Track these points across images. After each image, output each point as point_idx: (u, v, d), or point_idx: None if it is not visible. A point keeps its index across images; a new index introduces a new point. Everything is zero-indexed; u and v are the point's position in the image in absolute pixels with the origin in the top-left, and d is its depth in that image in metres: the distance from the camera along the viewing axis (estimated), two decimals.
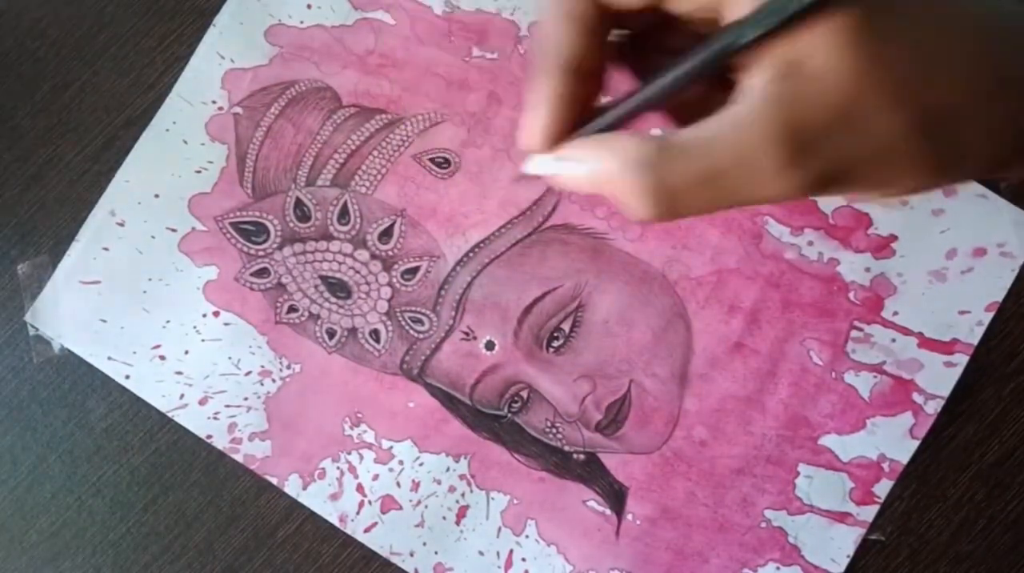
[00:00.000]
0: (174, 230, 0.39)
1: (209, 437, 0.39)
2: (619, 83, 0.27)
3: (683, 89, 0.25)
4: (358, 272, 0.39)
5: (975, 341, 0.38)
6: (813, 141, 0.24)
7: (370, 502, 0.39)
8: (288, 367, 0.39)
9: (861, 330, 0.38)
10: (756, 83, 0.24)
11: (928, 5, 0.24)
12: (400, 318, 0.39)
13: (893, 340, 0.38)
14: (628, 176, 0.25)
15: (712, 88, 0.26)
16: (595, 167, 0.25)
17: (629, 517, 0.39)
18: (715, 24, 0.25)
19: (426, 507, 0.39)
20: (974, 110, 0.25)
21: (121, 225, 0.39)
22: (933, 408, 0.38)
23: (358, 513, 0.39)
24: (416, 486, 0.39)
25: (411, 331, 0.39)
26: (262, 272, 0.39)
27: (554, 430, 0.39)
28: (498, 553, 0.39)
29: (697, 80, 0.24)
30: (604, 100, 0.27)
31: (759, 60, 0.24)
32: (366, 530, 0.39)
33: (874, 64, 0.23)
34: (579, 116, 0.26)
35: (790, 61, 0.23)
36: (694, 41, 0.24)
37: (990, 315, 0.38)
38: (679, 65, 0.24)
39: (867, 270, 0.38)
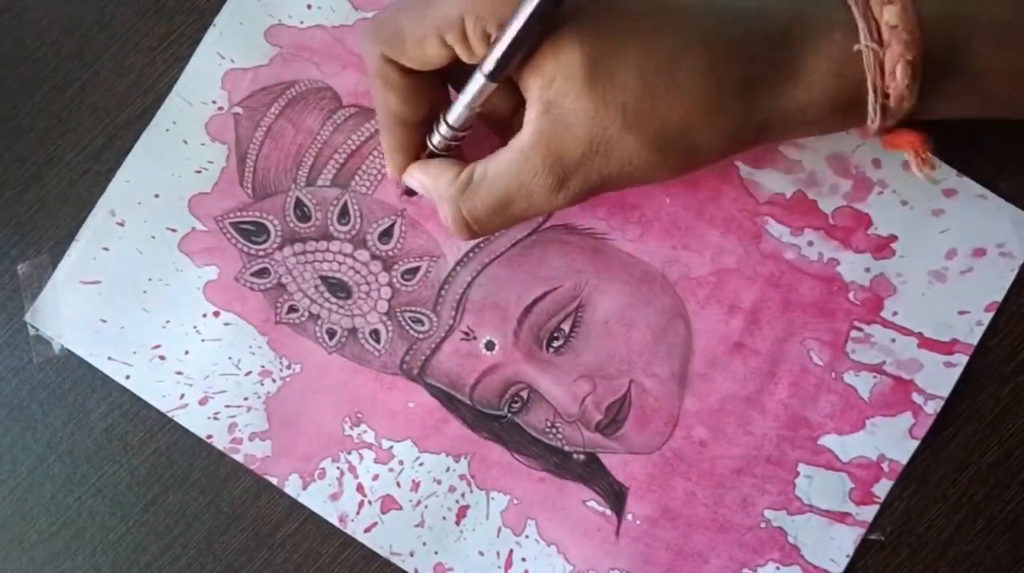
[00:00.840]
0: (174, 230, 0.39)
1: (209, 437, 0.39)
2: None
3: (474, 117, 0.32)
4: (358, 272, 0.39)
5: (975, 341, 0.38)
6: (572, 169, 0.30)
7: (370, 502, 0.39)
8: (288, 367, 0.39)
9: (861, 330, 0.38)
10: (530, 115, 0.30)
11: (650, 42, 0.29)
12: (400, 318, 0.39)
13: (893, 340, 0.38)
14: (442, 207, 0.32)
15: (515, 99, 0.32)
16: (423, 186, 0.34)
17: (629, 517, 0.39)
18: None
19: (426, 507, 0.39)
20: (699, 122, 0.29)
21: (121, 225, 0.39)
22: (933, 408, 0.38)
23: (358, 513, 0.39)
24: (416, 486, 0.39)
25: (411, 331, 0.39)
26: (262, 272, 0.39)
27: (554, 430, 0.39)
28: (498, 553, 0.39)
29: (483, 105, 0.31)
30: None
31: (531, 93, 0.30)
32: (366, 530, 0.39)
33: (605, 103, 0.28)
34: (421, 141, 0.34)
35: (547, 100, 0.29)
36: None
37: (990, 315, 0.38)
38: (466, 96, 0.31)
39: (867, 270, 0.38)
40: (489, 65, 0.29)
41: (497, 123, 0.34)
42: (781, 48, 0.30)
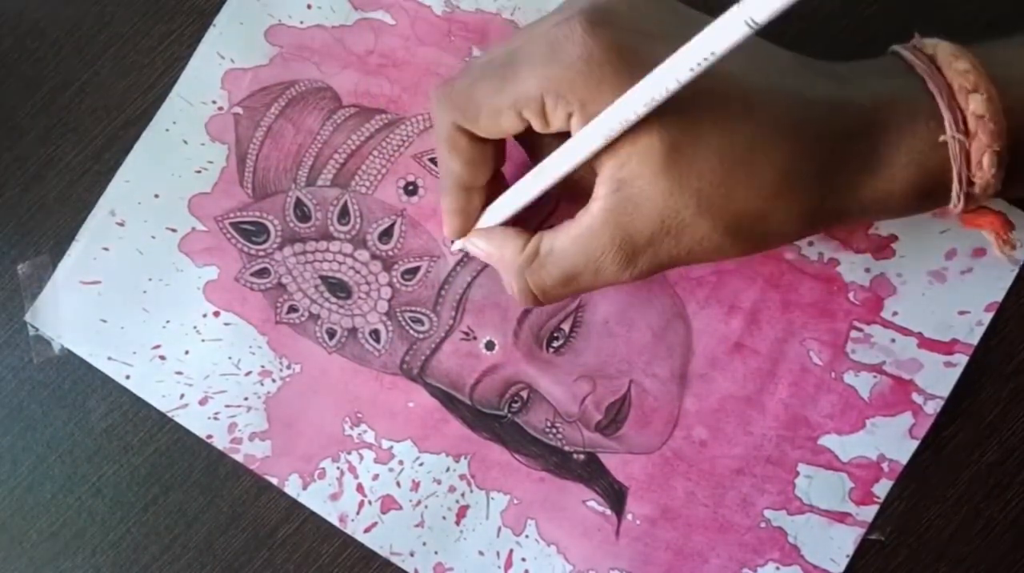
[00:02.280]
0: (174, 230, 0.39)
1: (209, 437, 0.39)
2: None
3: (552, 189, 0.31)
4: (358, 272, 0.39)
5: (975, 341, 0.38)
6: (642, 248, 0.29)
7: (370, 502, 0.39)
8: (288, 367, 0.39)
9: (861, 330, 0.38)
10: (601, 192, 0.29)
11: (730, 129, 0.28)
12: (400, 318, 0.39)
13: (893, 340, 0.38)
14: (506, 276, 0.33)
15: (585, 172, 0.31)
16: (487, 254, 0.34)
17: (629, 517, 0.39)
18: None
19: (426, 507, 0.39)
20: (775, 209, 0.29)
21: (121, 225, 0.39)
22: (933, 408, 0.38)
23: (358, 513, 0.39)
24: (416, 486, 0.39)
25: (411, 331, 0.39)
26: (262, 272, 0.39)
27: (554, 430, 0.39)
28: (498, 553, 0.39)
29: (560, 181, 0.31)
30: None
31: (603, 170, 0.29)
32: (366, 530, 0.39)
33: (680, 187, 0.28)
34: (483, 205, 0.34)
35: (620, 179, 0.29)
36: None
37: (990, 315, 0.38)
38: (542, 172, 0.31)
39: (867, 270, 0.38)
40: (574, 162, 0.29)
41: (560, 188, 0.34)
42: (863, 139, 0.29)
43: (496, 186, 0.34)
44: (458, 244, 0.35)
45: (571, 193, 0.32)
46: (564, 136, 0.30)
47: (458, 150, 0.32)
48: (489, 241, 0.34)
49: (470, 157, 0.32)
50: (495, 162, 0.33)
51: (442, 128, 0.32)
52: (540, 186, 0.31)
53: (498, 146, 0.33)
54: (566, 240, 0.31)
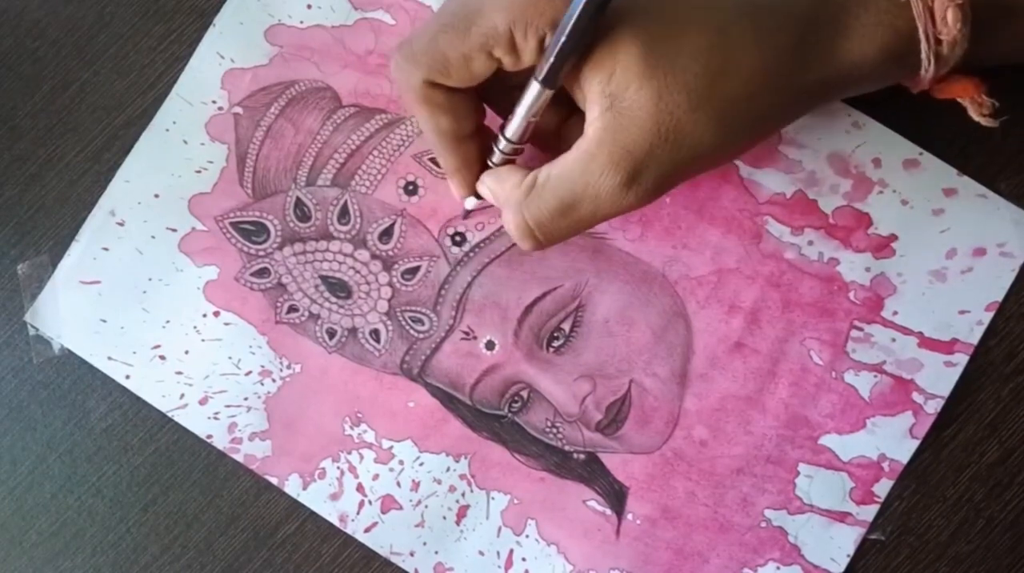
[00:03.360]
0: (174, 230, 0.39)
1: (209, 437, 0.39)
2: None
3: (531, 128, 0.31)
4: (358, 272, 0.39)
5: (975, 341, 0.38)
6: (642, 162, 0.29)
7: (370, 502, 0.39)
8: (288, 367, 0.39)
9: (861, 330, 0.38)
10: (594, 113, 0.29)
11: (702, 20, 0.29)
12: (400, 318, 0.39)
13: (893, 340, 0.38)
14: (505, 213, 0.32)
15: (562, 111, 0.32)
16: (492, 192, 0.33)
17: (629, 517, 0.39)
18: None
19: (426, 507, 0.39)
20: (761, 90, 0.29)
21: (121, 225, 0.39)
22: (933, 408, 0.38)
23: (358, 513, 0.39)
24: (416, 486, 0.39)
25: (411, 331, 0.39)
26: (262, 272, 0.39)
27: (554, 430, 0.39)
28: (498, 553, 0.39)
29: (540, 114, 0.31)
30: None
31: (591, 92, 0.29)
32: (366, 530, 0.39)
33: (668, 86, 0.28)
34: (480, 154, 0.34)
35: (610, 94, 0.29)
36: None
37: (990, 315, 0.38)
38: (517, 112, 0.31)
39: (867, 270, 0.38)
40: (543, 71, 0.29)
41: (546, 140, 0.34)
42: (828, 5, 0.30)
43: (483, 139, 0.34)
44: (470, 202, 0.35)
45: (557, 148, 0.32)
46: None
47: (437, 104, 0.31)
48: (495, 178, 0.33)
49: (451, 107, 0.32)
50: (477, 108, 0.33)
51: (414, 89, 0.31)
52: (524, 123, 0.31)
53: (476, 93, 0.33)
54: (564, 165, 0.30)
